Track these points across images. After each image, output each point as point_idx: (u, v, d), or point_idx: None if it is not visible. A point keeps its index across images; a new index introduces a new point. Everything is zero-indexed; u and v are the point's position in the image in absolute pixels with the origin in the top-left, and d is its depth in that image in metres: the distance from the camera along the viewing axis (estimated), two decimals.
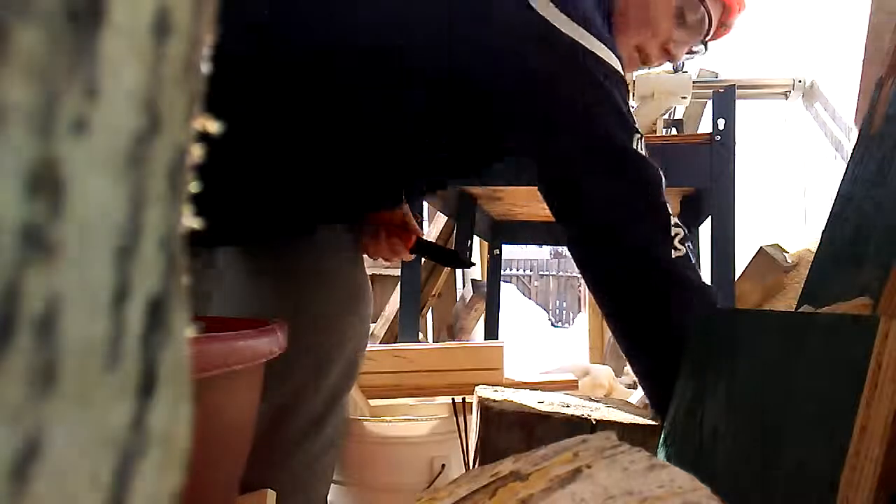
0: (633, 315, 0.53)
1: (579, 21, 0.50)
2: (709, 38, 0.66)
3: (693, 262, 0.53)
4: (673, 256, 0.51)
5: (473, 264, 0.81)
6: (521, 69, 0.50)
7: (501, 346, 0.94)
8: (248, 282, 0.65)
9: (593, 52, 0.50)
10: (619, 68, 0.52)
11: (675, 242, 0.52)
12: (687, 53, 0.68)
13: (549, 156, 0.53)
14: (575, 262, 0.56)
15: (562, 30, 0.49)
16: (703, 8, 0.62)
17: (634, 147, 0.52)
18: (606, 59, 0.51)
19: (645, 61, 0.64)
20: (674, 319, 0.52)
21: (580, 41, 0.50)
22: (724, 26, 0.67)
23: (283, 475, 0.66)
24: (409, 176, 0.61)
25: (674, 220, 0.53)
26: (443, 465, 0.87)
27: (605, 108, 0.51)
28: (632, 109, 0.54)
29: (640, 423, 0.54)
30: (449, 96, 0.52)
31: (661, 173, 0.55)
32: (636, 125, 0.53)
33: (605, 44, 0.51)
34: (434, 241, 0.74)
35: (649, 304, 0.52)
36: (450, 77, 0.51)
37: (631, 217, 0.51)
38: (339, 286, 0.66)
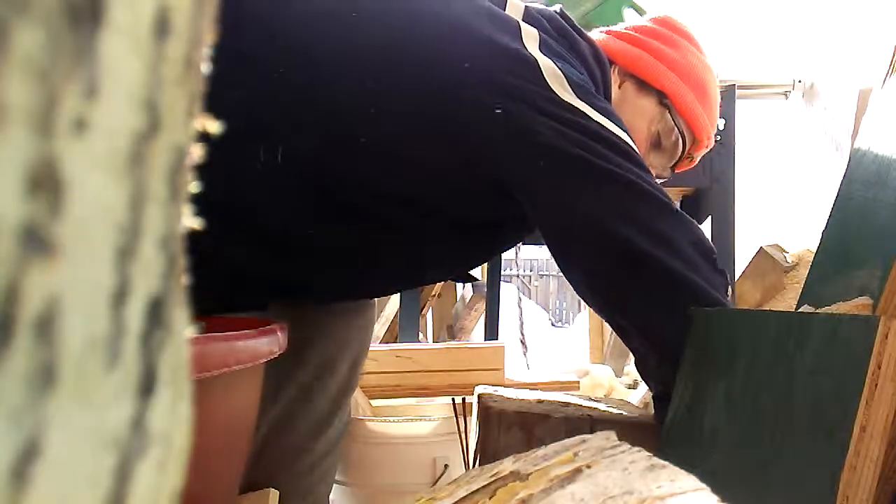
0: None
1: (602, 112, 0.51)
2: (677, 164, 0.68)
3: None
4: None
5: (477, 279, 0.79)
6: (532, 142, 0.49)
7: (502, 347, 0.94)
8: None
9: (614, 132, 0.50)
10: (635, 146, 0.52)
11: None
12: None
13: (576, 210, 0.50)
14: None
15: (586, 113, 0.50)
16: (678, 134, 0.65)
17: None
18: (629, 142, 0.51)
19: None
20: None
21: (604, 123, 0.50)
22: (689, 158, 0.69)
23: (286, 477, 0.66)
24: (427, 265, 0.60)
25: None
26: (445, 466, 0.87)
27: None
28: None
29: (640, 422, 0.54)
30: (461, 168, 0.51)
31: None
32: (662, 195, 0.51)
33: (626, 132, 0.52)
34: None
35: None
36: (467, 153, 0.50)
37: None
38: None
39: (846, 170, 0.51)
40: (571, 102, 0.50)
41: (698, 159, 0.71)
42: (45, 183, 0.09)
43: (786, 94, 1.64)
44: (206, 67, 0.11)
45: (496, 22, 0.53)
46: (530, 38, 0.53)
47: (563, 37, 0.58)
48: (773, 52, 1.78)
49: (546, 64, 0.51)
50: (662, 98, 0.64)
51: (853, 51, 1.29)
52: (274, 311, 0.62)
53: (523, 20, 0.56)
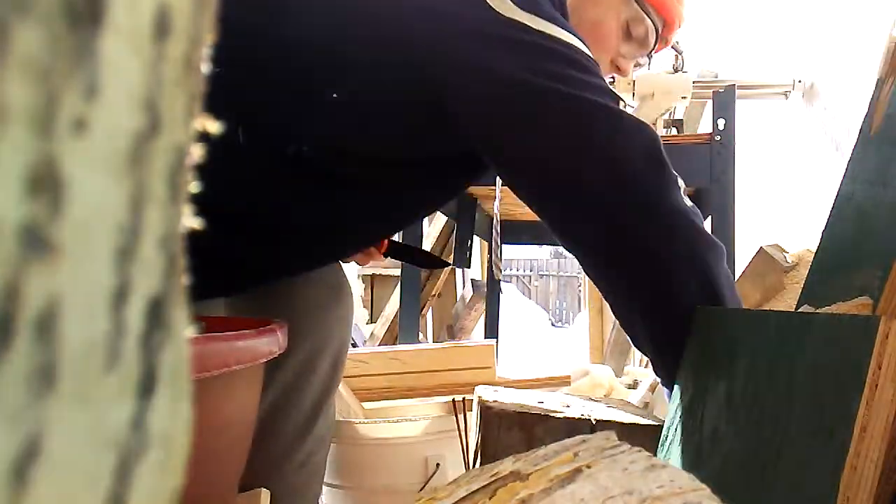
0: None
1: (548, 18, 0.50)
2: (652, 50, 0.67)
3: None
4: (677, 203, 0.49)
5: (449, 264, 0.79)
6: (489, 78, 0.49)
7: (492, 345, 0.94)
8: None
9: (564, 41, 0.50)
10: (589, 53, 0.52)
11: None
12: (634, 67, 0.69)
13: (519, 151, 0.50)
14: (577, 247, 0.52)
15: (530, 25, 0.49)
16: (648, 20, 0.64)
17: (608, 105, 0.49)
18: (578, 46, 0.51)
19: None
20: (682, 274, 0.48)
21: (548, 31, 0.50)
22: (664, 41, 0.68)
23: (275, 476, 0.66)
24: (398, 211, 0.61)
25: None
26: (437, 465, 0.87)
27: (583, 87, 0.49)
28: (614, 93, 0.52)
29: (640, 423, 0.54)
30: (423, 112, 0.51)
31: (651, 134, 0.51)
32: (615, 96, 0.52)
33: (574, 35, 0.51)
34: (406, 243, 0.73)
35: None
36: (422, 90, 0.50)
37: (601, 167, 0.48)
38: (319, 286, 0.66)
39: (846, 169, 0.51)
40: (512, 17, 0.49)
41: (673, 41, 0.70)
42: (45, 183, 0.09)
43: (786, 94, 1.64)
44: (206, 67, 0.11)
45: None
46: None
47: None
48: (774, 52, 1.78)
49: None
50: None
51: (853, 51, 1.29)
52: (254, 307, 0.62)
53: None
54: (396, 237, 0.88)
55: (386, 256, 0.71)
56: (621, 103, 0.59)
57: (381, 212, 0.59)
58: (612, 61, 0.65)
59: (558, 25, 0.51)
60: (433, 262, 0.78)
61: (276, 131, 0.52)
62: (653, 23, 0.64)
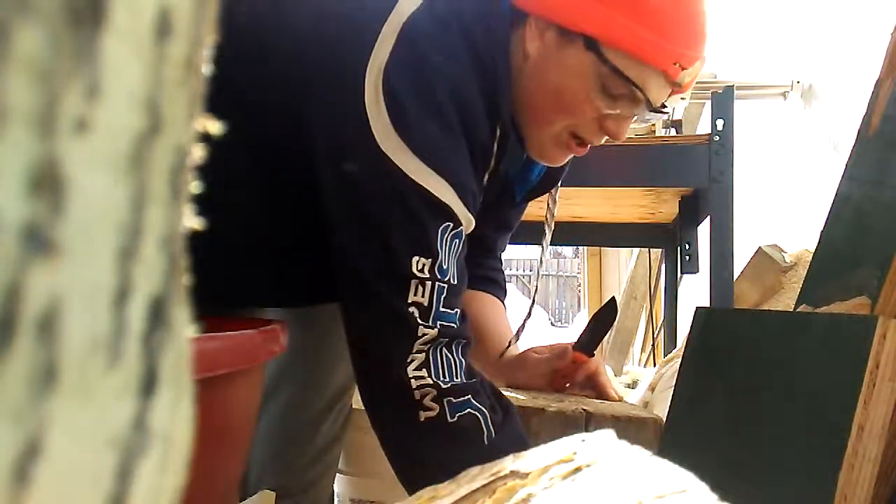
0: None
1: (421, 153, 0.47)
2: (663, 101, 0.55)
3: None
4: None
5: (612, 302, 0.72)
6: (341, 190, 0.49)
7: None
8: None
9: (422, 187, 0.47)
10: (451, 202, 0.48)
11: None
12: (641, 122, 0.59)
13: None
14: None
15: (397, 166, 0.46)
16: (621, 79, 0.52)
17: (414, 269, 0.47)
18: (436, 194, 0.48)
19: (584, 143, 0.56)
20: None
21: (412, 176, 0.47)
22: (677, 86, 0.55)
23: (286, 473, 0.66)
24: None
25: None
26: None
27: (403, 228, 0.47)
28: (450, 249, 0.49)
29: (634, 416, 0.54)
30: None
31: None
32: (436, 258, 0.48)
33: (446, 177, 0.48)
34: (587, 333, 0.67)
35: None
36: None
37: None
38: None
39: (844, 170, 0.51)
40: (380, 150, 0.47)
41: (694, 79, 0.55)
42: (47, 183, 0.09)
43: (784, 95, 1.65)
44: (207, 68, 0.11)
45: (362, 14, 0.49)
46: (392, 26, 0.48)
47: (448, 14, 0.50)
48: (772, 52, 1.78)
49: (371, 92, 0.47)
50: (588, 42, 0.51)
51: (851, 51, 1.29)
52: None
53: None
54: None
55: (591, 354, 0.65)
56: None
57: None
58: (599, 125, 0.55)
59: (432, 156, 0.47)
60: (610, 312, 0.71)
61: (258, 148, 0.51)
62: (632, 83, 0.52)
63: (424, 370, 0.48)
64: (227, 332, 0.37)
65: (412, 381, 0.48)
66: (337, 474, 0.75)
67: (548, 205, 0.70)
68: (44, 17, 0.09)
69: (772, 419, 0.38)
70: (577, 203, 1.16)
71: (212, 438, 0.37)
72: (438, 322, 0.48)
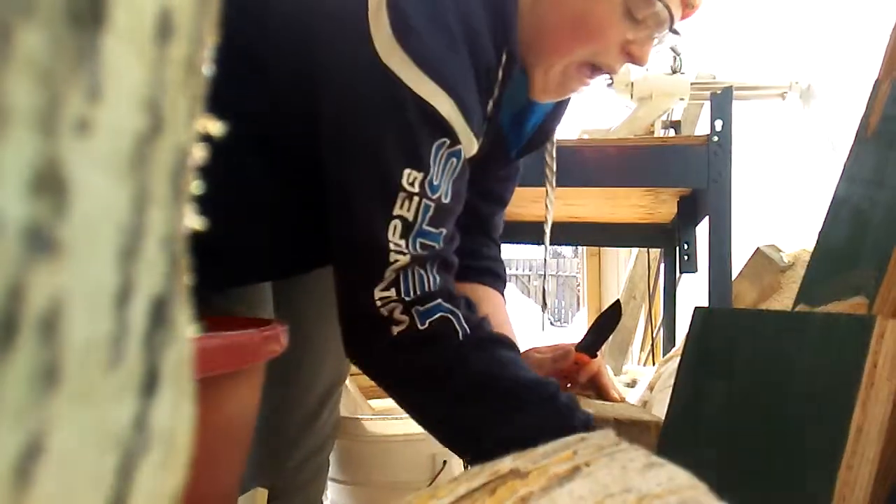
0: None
1: (422, 63, 0.45)
2: (674, 24, 0.55)
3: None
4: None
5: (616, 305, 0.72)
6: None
7: None
8: None
9: (421, 99, 0.46)
10: (450, 117, 0.47)
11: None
12: (658, 45, 0.57)
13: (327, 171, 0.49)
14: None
15: (396, 76, 0.45)
16: (658, 3, 0.51)
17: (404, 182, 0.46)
18: (435, 107, 0.46)
19: (608, 71, 0.55)
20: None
21: (411, 86, 0.45)
22: (689, 6, 0.56)
23: (278, 473, 0.66)
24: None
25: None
26: (444, 462, 0.87)
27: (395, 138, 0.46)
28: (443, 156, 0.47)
29: (636, 419, 0.54)
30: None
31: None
32: (428, 168, 0.47)
33: (447, 90, 0.46)
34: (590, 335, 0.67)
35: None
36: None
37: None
38: (330, 286, 0.67)
39: (842, 170, 0.51)
40: (380, 60, 0.45)
41: (700, 4, 0.55)
42: (49, 184, 0.09)
43: (783, 96, 1.65)
44: (208, 68, 0.11)
45: None
46: None
47: None
48: (771, 53, 1.78)
49: (373, 4, 0.46)
50: None
51: (850, 52, 1.29)
52: (253, 302, 0.61)
53: None
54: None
55: (594, 355, 0.64)
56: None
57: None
58: (622, 50, 0.54)
59: (439, 70, 0.46)
60: (614, 314, 0.69)
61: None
62: (664, 3, 0.51)
63: (392, 289, 0.47)
64: (227, 332, 0.37)
65: (378, 301, 0.47)
66: (329, 482, 0.75)
67: (546, 205, 0.70)
68: (45, 18, 0.09)
69: (769, 419, 0.38)
70: (576, 203, 1.16)
71: (212, 438, 0.37)
72: (418, 241, 0.47)
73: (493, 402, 0.48)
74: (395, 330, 0.47)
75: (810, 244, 0.62)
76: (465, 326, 0.48)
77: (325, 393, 0.69)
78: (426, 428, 0.53)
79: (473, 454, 0.50)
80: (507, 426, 0.47)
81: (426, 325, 0.47)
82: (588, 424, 0.49)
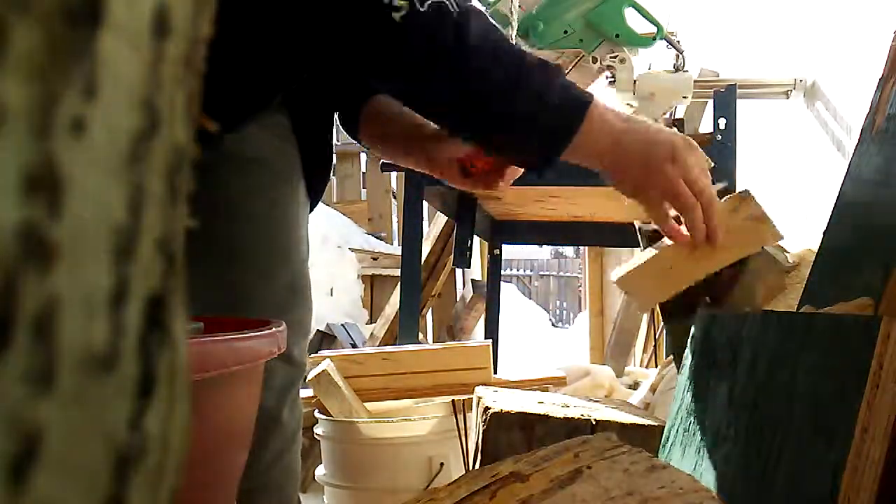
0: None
1: None
2: None
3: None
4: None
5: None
6: None
7: (488, 345, 0.94)
8: None
9: None
10: None
11: None
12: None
13: None
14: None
15: None
16: None
17: None
18: None
19: None
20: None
21: None
22: None
23: (245, 477, 0.65)
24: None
25: None
26: (441, 464, 0.87)
27: None
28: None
29: (641, 423, 0.54)
30: None
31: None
32: None
33: None
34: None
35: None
36: None
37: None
38: (277, 286, 0.62)
39: (848, 169, 0.51)
40: None
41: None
42: (44, 184, 0.08)
43: (787, 94, 1.64)
44: (204, 67, 0.11)
45: None
46: None
47: None
48: (775, 51, 1.77)
49: None
50: None
51: (855, 50, 1.28)
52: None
53: None
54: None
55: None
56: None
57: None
58: None
59: None
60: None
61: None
62: None
63: None
64: (227, 333, 0.37)
65: None
66: (325, 487, 0.74)
67: None
68: (41, 16, 0.08)
69: (774, 420, 0.37)
70: (577, 203, 1.16)
71: (211, 438, 0.37)
72: None
73: (506, 66, 0.50)
74: (397, 17, 0.48)
75: (815, 244, 0.61)
76: (455, 5, 0.50)
77: (281, 391, 0.67)
78: (451, 118, 0.54)
79: (505, 123, 0.51)
80: (523, 85, 0.50)
81: (426, 8, 0.49)
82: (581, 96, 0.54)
